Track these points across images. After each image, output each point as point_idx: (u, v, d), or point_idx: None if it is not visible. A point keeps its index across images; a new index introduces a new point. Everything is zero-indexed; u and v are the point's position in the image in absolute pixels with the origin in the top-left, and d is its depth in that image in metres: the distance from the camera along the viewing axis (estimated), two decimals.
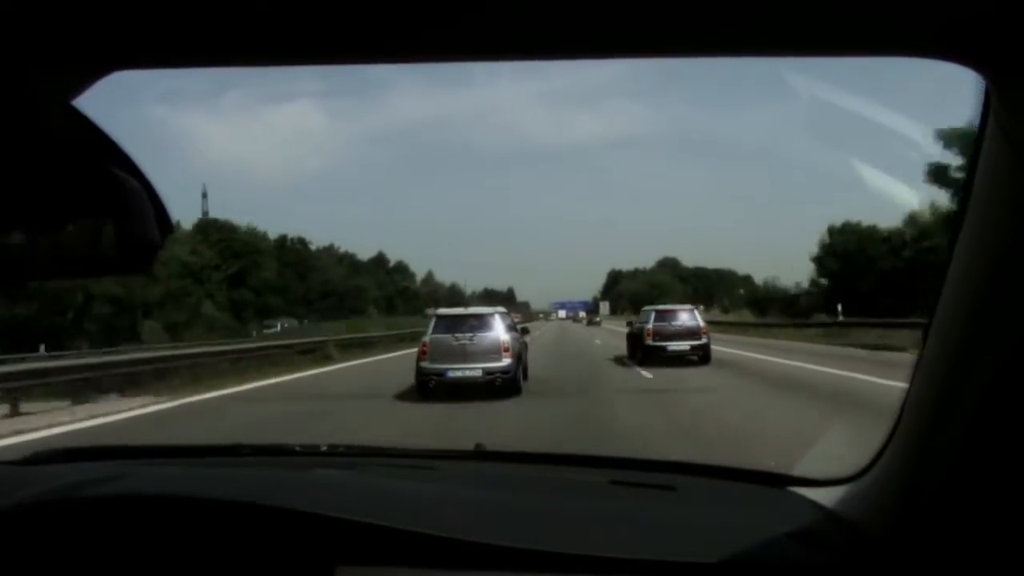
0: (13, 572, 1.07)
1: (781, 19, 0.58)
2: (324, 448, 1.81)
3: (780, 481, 1.40)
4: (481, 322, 11.87)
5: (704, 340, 17.50)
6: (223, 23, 0.59)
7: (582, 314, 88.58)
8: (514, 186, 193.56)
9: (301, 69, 0.65)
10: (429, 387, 11.35)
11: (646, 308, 20.08)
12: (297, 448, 1.82)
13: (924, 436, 0.90)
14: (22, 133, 0.64)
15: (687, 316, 18.06)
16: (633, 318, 21.91)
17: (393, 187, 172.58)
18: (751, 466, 1.53)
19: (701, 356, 17.30)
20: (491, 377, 11.18)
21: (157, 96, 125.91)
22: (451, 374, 11.27)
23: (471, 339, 11.49)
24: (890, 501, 1.00)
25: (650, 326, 17.64)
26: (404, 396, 11.74)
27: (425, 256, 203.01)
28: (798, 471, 1.41)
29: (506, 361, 11.31)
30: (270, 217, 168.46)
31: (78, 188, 0.67)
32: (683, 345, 17.29)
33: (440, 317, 12.40)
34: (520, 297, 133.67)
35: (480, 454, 1.78)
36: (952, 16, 0.58)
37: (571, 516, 1.24)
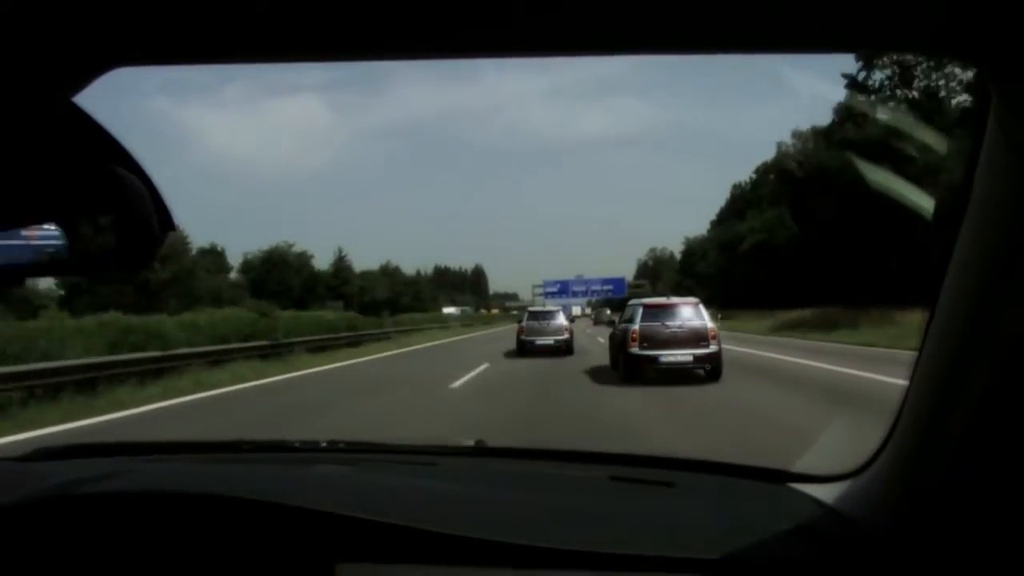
0: (14, 569, 1.07)
1: (784, 16, 0.58)
2: (324, 444, 1.80)
3: (780, 477, 1.40)
4: (552, 315, 22.38)
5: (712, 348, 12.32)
6: (225, 19, 0.58)
7: (607, 312, 49.10)
8: (517, 181, 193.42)
9: (305, 63, 0.65)
10: (525, 349, 21.05)
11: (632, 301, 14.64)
12: (297, 444, 1.81)
13: (924, 432, 0.90)
14: (23, 131, 0.64)
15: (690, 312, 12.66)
16: None
17: (397, 181, 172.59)
18: (752, 462, 1.53)
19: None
20: (558, 344, 20.94)
21: (158, 90, 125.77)
22: (537, 342, 21.11)
23: (547, 324, 21.66)
24: (891, 497, 1.00)
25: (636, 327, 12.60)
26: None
27: (424, 251, 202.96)
28: (798, 467, 1.41)
29: (567, 336, 21.33)
30: (270, 213, 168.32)
31: (79, 185, 0.67)
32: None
33: (530, 312, 22.86)
34: (507, 287, 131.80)
35: (480, 450, 1.78)
36: (953, 13, 0.58)
37: (571, 512, 1.24)
